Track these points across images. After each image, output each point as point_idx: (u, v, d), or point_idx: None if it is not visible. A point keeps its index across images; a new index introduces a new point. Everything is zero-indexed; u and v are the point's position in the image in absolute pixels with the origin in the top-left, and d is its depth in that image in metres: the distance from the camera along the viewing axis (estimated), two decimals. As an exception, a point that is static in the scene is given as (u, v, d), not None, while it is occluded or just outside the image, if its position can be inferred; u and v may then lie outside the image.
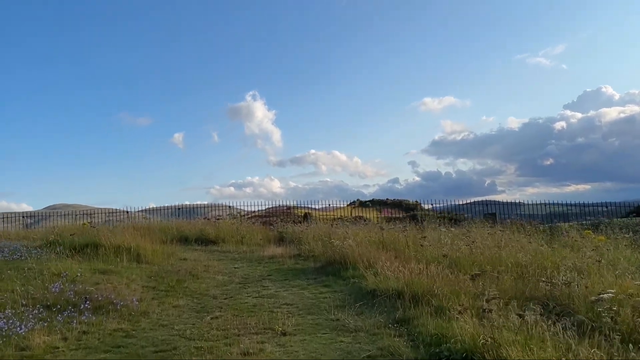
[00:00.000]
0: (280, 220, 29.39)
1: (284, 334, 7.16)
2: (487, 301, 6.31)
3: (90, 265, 11.16)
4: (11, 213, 36.25)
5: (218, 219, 20.61)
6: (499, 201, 33.09)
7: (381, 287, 9.26)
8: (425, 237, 12.89)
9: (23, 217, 33.91)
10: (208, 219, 21.60)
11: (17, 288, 8.36)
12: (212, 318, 8.05)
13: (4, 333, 6.33)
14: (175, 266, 12.46)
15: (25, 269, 9.98)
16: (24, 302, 7.69)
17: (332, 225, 19.09)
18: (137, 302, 8.39)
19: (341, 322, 7.77)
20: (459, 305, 7.01)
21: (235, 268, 13.29)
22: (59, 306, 7.79)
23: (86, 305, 7.91)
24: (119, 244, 13.11)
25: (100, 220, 29.94)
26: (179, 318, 8.10)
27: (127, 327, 7.33)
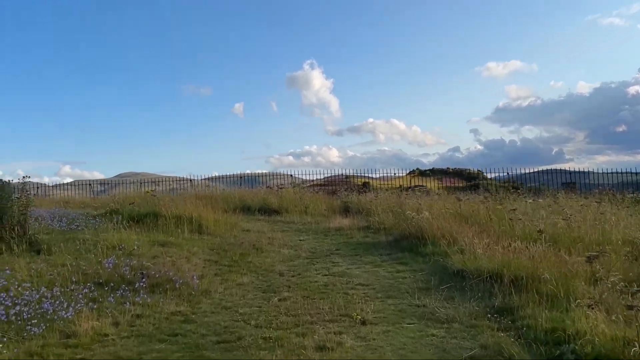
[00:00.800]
0: (343, 189, 28.27)
1: (364, 323, 6.11)
2: (632, 295, 4.95)
3: (149, 237, 10.51)
4: (83, 181, 37.06)
5: (281, 188, 19.75)
6: (566, 170, 30.72)
7: (470, 267, 8.02)
8: (515, 209, 11.41)
9: (89, 184, 34.62)
10: (270, 188, 20.80)
11: (69, 263, 7.71)
12: (279, 300, 7.12)
13: (48, 317, 5.61)
14: (238, 238, 11.66)
15: (81, 240, 9.41)
16: (75, 279, 7.00)
17: (400, 195, 17.81)
18: (197, 280, 7.55)
19: (428, 309, 6.64)
20: (587, 296, 5.69)
21: (300, 241, 12.37)
22: (112, 284, 7.06)
23: (142, 283, 7.15)
24: (180, 213, 12.44)
25: (164, 188, 30.13)
26: (243, 299, 7.21)
27: (186, 310, 6.49)
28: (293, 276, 8.65)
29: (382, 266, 9.42)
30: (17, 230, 8.57)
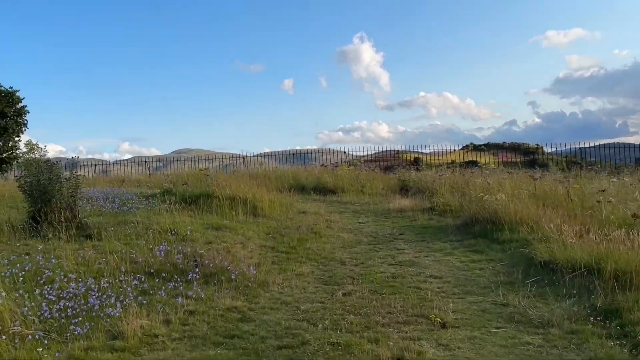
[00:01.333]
0: (400, 166, 27.21)
1: (444, 326, 5.29)
2: None
3: (202, 220, 10.01)
4: (141, 157, 37.97)
5: (336, 166, 18.97)
6: (632, 144, 28.44)
7: (561, 258, 7.01)
8: (604, 190, 10.18)
9: (145, 161, 35.22)
10: (325, 166, 20.07)
11: (119, 250, 7.23)
12: (344, 294, 6.39)
13: (94, 314, 5.08)
14: (295, 221, 11.01)
15: (132, 223, 8.98)
16: (124, 269, 6.50)
17: (464, 172, 16.67)
18: (254, 270, 6.92)
19: (517, 309, 5.74)
20: None
21: (360, 223, 11.61)
22: (163, 274, 6.53)
23: (195, 273, 6.59)
24: (234, 194, 11.90)
25: (218, 165, 30.24)
26: (304, 292, 6.52)
27: (243, 306, 5.86)
28: (356, 265, 7.91)
29: (453, 254, 8.53)
30: (66, 213, 8.20)
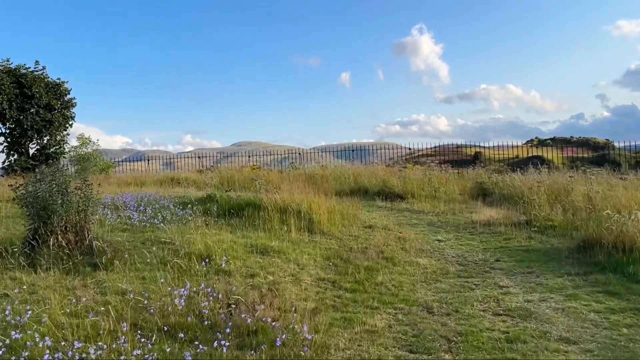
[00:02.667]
0: (472, 165, 24.58)
1: None
2: None
3: (246, 239, 8.10)
4: (202, 149, 38.04)
5: (404, 167, 16.75)
6: None
7: None
8: None
9: (199, 157, 34.62)
10: (389, 166, 17.83)
11: (129, 290, 5.38)
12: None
13: None
14: (360, 240, 8.93)
15: (158, 244, 7.18)
16: (130, 322, 4.62)
17: (564, 175, 14.00)
18: (309, 335, 4.85)
19: None
20: None
21: (439, 242, 9.39)
22: (182, 333, 4.62)
23: (227, 329, 4.65)
24: (287, 203, 9.97)
25: (275, 159, 29.31)
26: (382, 368, 4.45)
27: (291, 397, 3.86)
28: (448, 314, 5.73)
29: (579, 298, 6.21)
30: (71, 234, 6.45)
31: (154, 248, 7.10)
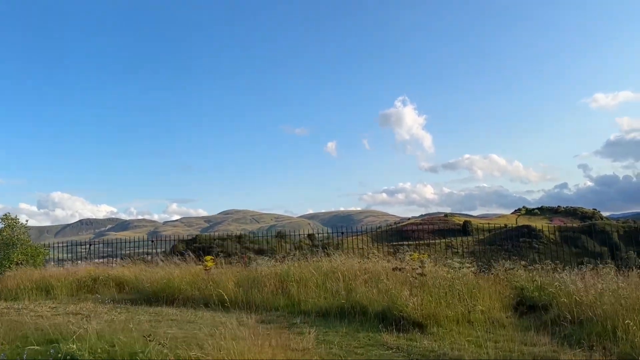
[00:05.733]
0: (462, 235, 19.22)
1: None
2: None
3: None
4: (190, 218, 32.87)
5: (422, 269, 11.47)
6: None
7: None
8: None
9: (167, 240, 29.14)
10: (397, 270, 12.56)
11: None
12: None
13: None
14: None
15: None
16: None
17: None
18: None
19: None
20: None
21: None
22: None
23: None
24: None
25: (263, 226, 24.25)
26: None
27: None
28: None
29: None
30: None
31: None
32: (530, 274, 12.21)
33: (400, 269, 10.31)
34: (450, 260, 10.86)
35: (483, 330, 8.78)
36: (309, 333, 7.94)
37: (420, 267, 10.08)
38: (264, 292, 10.98)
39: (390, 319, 9.05)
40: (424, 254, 13.19)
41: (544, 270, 12.61)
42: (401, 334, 8.48)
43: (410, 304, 8.99)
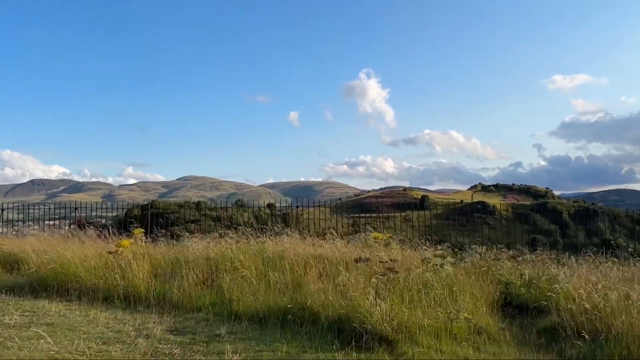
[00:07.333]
0: (420, 209, 17.24)
1: None
2: None
3: None
4: (147, 183, 29.68)
5: (392, 269, 8.97)
6: (638, 190, 20.52)
7: None
8: None
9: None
10: (358, 261, 10.06)
11: None
12: None
13: None
14: None
15: None
16: None
17: None
18: None
19: None
20: None
21: None
22: None
23: None
24: None
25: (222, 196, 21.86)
26: None
27: None
28: None
29: None
30: None
31: None
32: (516, 265, 10.22)
33: (364, 260, 7.91)
34: (429, 254, 8.51)
35: (469, 346, 6.59)
36: (235, 355, 5.49)
37: (390, 260, 7.69)
38: (187, 285, 8.41)
39: (349, 331, 6.65)
40: (388, 234, 10.93)
41: (532, 260, 10.72)
42: (362, 355, 6.11)
43: (377, 313, 6.60)
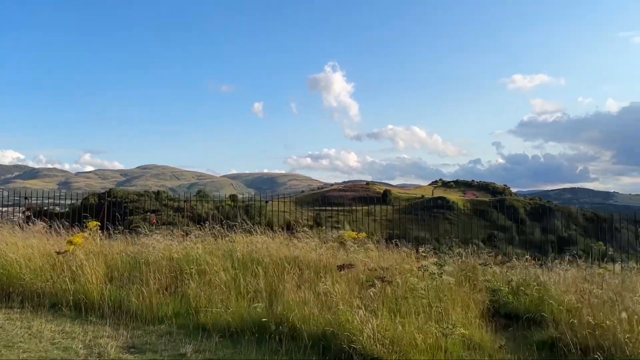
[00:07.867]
0: (382, 204, 16.82)
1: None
2: None
3: None
4: (105, 170, 27.72)
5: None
6: (591, 189, 21.32)
7: None
8: None
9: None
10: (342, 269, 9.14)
11: None
12: None
13: None
14: None
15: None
16: None
17: None
18: None
19: None
20: None
21: None
22: None
23: None
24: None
25: (184, 183, 20.60)
26: None
27: None
28: None
29: None
30: None
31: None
32: (504, 271, 9.68)
33: (348, 267, 7.10)
34: (426, 262, 7.75)
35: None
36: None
37: (380, 267, 6.90)
38: (147, 291, 7.41)
39: (336, 351, 5.84)
40: (364, 233, 10.27)
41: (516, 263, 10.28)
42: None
43: (367, 331, 5.81)
